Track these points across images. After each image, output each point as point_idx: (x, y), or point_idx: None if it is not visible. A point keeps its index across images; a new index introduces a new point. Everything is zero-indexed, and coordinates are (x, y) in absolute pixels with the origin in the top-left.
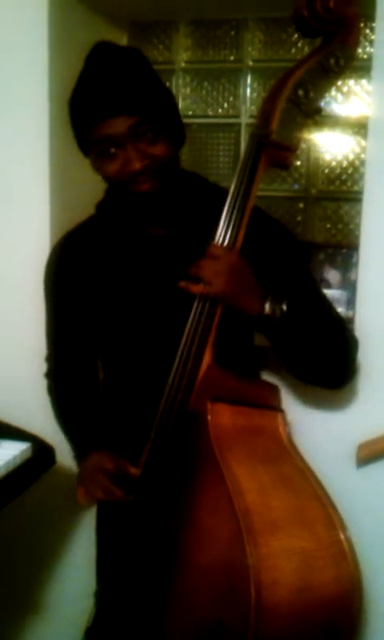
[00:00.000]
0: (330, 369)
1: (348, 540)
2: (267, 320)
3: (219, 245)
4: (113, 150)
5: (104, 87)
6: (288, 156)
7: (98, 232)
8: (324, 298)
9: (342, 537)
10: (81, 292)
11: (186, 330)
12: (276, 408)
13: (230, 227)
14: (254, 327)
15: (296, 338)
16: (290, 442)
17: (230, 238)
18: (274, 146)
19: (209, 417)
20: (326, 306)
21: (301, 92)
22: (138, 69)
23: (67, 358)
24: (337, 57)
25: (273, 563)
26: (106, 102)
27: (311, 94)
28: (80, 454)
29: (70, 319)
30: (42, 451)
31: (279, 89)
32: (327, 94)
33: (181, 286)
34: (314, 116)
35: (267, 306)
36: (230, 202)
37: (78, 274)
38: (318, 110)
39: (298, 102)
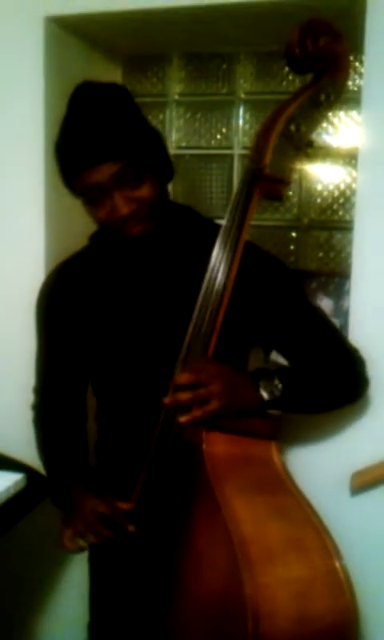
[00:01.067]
0: (344, 396)
1: (344, 568)
2: (271, 403)
3: (190, 365)
4: (99, 198)
5: (86, 135)
6: (281, 188)
7: (90, 263)
8: (327, 323)
9: (337, 565)
10: (72, 323)
11: (186, 341)
12: (271, 436)
13: (224, 260)
14: (247, 358)
15: (305, 396)
16: (285, 470)
17: (224, 270)
18: (267, 179)
19: (204, 446)
20: (330, 331)
21: (293, 127)
22: (119, 112)
23: (56, 390)
24: (327, 92)
25: (270, 593)
26: (88, 150)
27: (303, 128)
28: (57, 487)
29: (61, 350)
30: (35, 482)
31: (271, 124)
32: (318, 127)
33: (166, 403)
34: (306, 149)
35: (264, 393)
36: (224, 234)
37: (70, 305)
38: (310, 143)
39: (290, 135)
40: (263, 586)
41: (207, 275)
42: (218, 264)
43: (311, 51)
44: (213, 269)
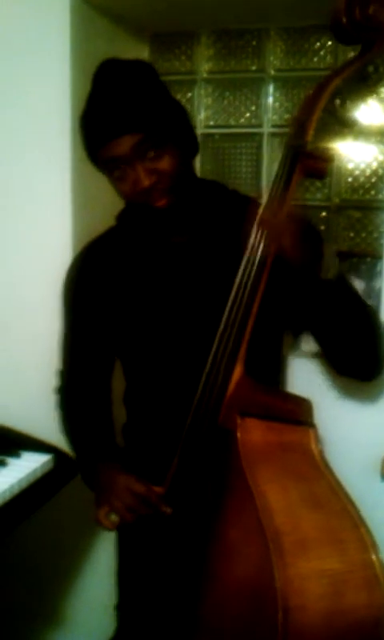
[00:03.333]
0: (366, 352)
1: (381, 563)
2: (319, 282)
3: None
4: (121, 171)
5: (106, 109)
6: (324, 166)
7: (118, 243)
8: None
9: (373, 558)
10: (101, 303)
11: (224, 319)
12: (308, 423)
13: (263, 239)
14: (300, 298)
15: (341, 307)
16: (323, 458)
17: (263, 250)
18: (309, 156)
19: (239, 433)
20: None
21: (338, 101)
22: (139, 85)
23: (82, 372)
24: (376, 64)
25: (302, 586)
26: (108, 123)
27: (348, 103)
28: (87, 471)
29: (88, 332)
30: (63, 463)
31: (316, 98)
32: (364, 103)
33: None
34: (351, 125)
35: (330, 260)
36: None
37: (98, 285)
38: (355, 120)
39: (334, 111)
40: (295, 578)
41: (246, 255)
42: (256, 243)
43: (359, 20)
44: (252, 247)
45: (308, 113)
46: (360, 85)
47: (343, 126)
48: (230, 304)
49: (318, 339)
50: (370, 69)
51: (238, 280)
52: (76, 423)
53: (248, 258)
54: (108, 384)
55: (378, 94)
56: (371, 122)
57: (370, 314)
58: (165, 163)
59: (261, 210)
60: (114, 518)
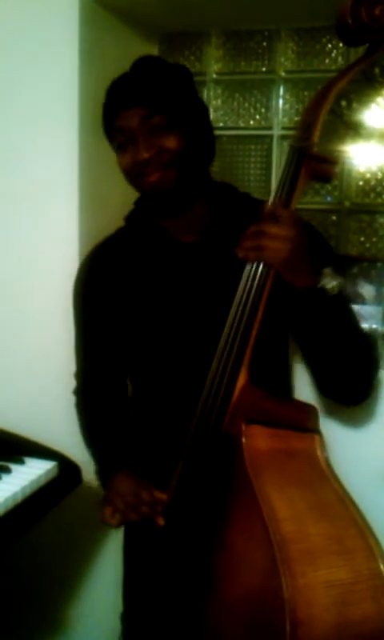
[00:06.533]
0: (356, 376)
1: None
2: (317, 295)
3: (279, 206)
4: (126, 143)
5: (123, 82)
6: (330, 169)
7: (127, 244)
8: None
9: (382, 569)
10: (111, 305)
11: (227, 325)
12: (314, 430)
13: None
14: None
15: (336, 326)
16: (328, 466)
17: None
18: (315, 158)
19: (243, 439)
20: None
21: (344, 102)
22: (164, 71)
23: (97, 373)
24: (382, 65)
25: (310, 597)
26: (120, 94)
27: (354, 105)
28: (105, 471)
29: (101, 334)
30: (68, 470)
31: (321, 100)
32: (371, 104)
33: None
34: (357, 127)
35: (321, 278)
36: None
37: (108, 287)
38: (361, 121)
39: (340, 112)
40: (303, 588)
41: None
42: None
43: (365, 21)
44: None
45: (313, 115)
46: (366, 86)
47: (349, 127)
48: (234, 308)
49: (307, 354)
50: (377, 70)
51: (242, 283)
52: (93, 425)
53: (250, 270)
54: (124, 384)
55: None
56: (382, 124)
57: (364, 338)
58: (169, 141)
59: (265, 213)
60: (118, 516)
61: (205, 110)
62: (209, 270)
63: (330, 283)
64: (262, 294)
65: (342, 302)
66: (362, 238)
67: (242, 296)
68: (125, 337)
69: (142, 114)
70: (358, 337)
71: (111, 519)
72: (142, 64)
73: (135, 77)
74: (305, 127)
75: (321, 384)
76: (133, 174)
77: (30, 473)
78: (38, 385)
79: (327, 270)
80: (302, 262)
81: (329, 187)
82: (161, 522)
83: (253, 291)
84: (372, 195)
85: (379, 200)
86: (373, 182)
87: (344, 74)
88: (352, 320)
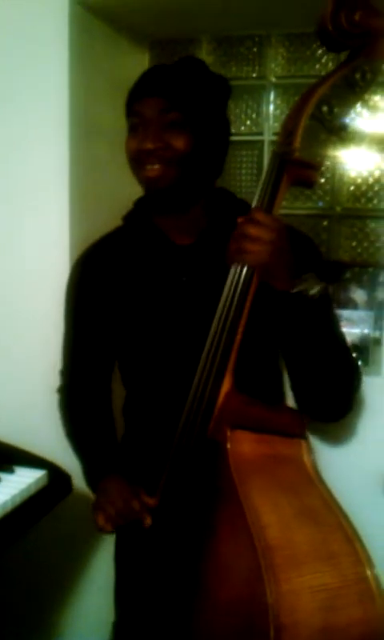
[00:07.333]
0: (336, 391)
1: (375, 577)
2: (296, 300)
3: (261, 210)
4: (138, 126)
5: (157, 71)
6: (312, 174)
7: (122, 243)
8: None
9: (368, 574)
10: (102, 304)
11: (212, 329)
12: (300, 435)
13: None
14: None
15: (316, 334)
16: (315, 471)
17: None
18: (297, 164)
19: (228, 445)
20: (341, 331)
21: (325, 108)
22: (198, 70)
23: (83, 371)
24: (363, 71)
25: (294, 602)
26: (148, 81)
27: (335, 110)
28: (93, 473)
29: (89, 332)
30: (58, 479)
31: (302, 105)
32: (352, 110)
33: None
34: (339, 133)
35: (300, 284)
36: None
37: (100, 285)
38: (343, 127)
39: (321, 118)
40: (287, 594)
41: (233, 265)
42: None
43: (345, 27)
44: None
45: (295, 120)
46: (347, 92)
47: (332, 133)
48: (219, 312)
49: (287, 362)
50: (357, 76)
51: (226, 287)
52: (77, 424)
53: (233, 275)
54: (108, 385)
55: (365, 100)
56: (375, 129)
57: (345, 351)
58: (178, 141)
59: (247, 218)
60: (110, 523)
61: (226, 125)
62: (201, 273)
63: (312, 289)
64: (246, 298)
65: (324, 310)
66: (354, 243)
67: (226, 300)
68: (114, 337)
69: (161, 106)
70: (339, 349)
71: (106, 525)
72: (184, 61)
73: (170, 70)
74: (287, 133)
75: (298, 398)
76: (135, 161)
77: (19, 482)
78: (27, 393)
79: (308, 276)
80: (282, 265)
81: (320, 192)
82: (149, 521)
83: (237, 295)
84: (363, 200)
85: (370, 205)
86: (364, 188)
87: (325, 79)
88: (334, 329)
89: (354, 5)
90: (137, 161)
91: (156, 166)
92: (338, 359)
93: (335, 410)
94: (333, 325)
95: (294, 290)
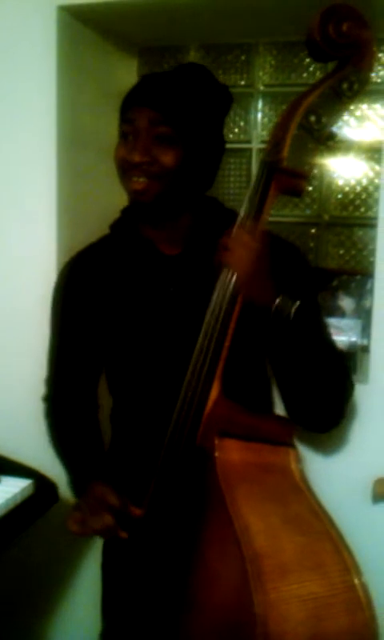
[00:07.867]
0: (327, 401)
1: (363, 586)
2: (279, 317)
3: (242, 228)
4: (129, 136)
5: (153, 79)
6: (300, 183)
7: (109, 252)
8: (328, 332)
9: (356, 582)
10: (89, 312)
11: (201, 336)
12: (288, 443)
13: None
14: (267, 342)
15: (303, 347)
16: (303, 479)
17: None
18: (285, 172)
19: (216, 453)
20: (330, 339)
21: (313, 118)
22: (197, 82)
23: (68, 380)
24: (350, 81)
25: (282, 611)
26: (143, 89)
27: (323, 120)
28: (77, 481)
29: (75, 340)
30: (44, 488)
31: (290, 115)
32: (340, 120)
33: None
34: (327, 142)
35: (278, 300)
36: None
37: (86, 294)
38: (331, 136)
39: (309, 127)
40: (275, 603)
41: (222, 273)
42: None
43: (333, 37)
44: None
45: (283, 129)
46: (335, 101)
47: (319, 142)
48: (207, 320)
49: (275, 374)
50: (345, 86)
51: (215, 295)
52: (63, 432)
53: (221, 283)
54: (94, 393)
55: (352, 110)
56: (362, 138)
57: (336, 361)
58: (166, 157)
59: (234, 228)
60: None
61: (220, 139)
62: (188, 282)
63: (287, 308)
64: (234, 305)
65: (301, 327)
66: (341, 251)
67: (213, 308)
68: (101, 345)
69: (152, 117)
70: (326, 360)
71: (73, 525)
72: (183, 70)
73: (165, 79)
74: (275, 142)
75: (288, 408)
76: (122, 169)
77: (5, 491)
78: (12, 402)
79: (282, 295)
80: (261, 277)
81: (308, 200)
82: (123, 535)
83: (224, 303)
84: (350, 208)
85: (357, 213)
86: (351, 196)
87: (313, 89)
88: (319, 343)
89: (342, 16)
90: (123, 170)
91: (141, 179)
92: (325, 370)
93: (326, 421)
94: (317, 338)
95: (273, 306)
